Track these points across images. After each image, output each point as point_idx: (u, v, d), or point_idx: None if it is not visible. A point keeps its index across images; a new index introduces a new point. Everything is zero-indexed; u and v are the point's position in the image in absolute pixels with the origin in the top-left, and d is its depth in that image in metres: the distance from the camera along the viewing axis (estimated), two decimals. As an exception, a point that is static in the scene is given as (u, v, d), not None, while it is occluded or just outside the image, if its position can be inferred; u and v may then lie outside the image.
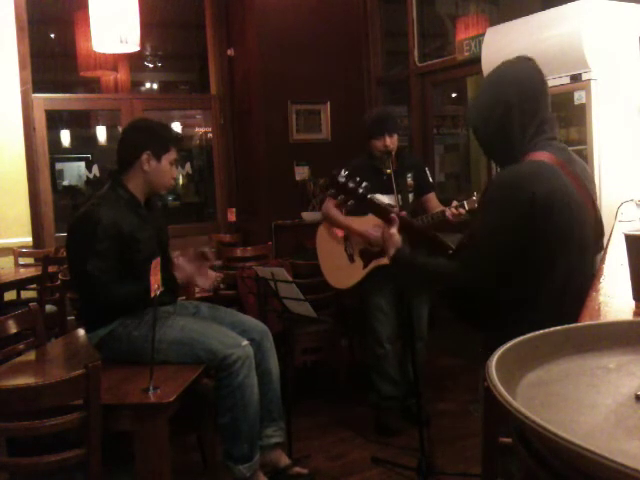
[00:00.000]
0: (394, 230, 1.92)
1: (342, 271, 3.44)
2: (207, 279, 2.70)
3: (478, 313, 1.80)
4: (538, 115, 1.75)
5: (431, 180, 3.56)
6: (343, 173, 2.03)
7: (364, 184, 2.02)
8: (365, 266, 3.36)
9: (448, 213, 3.08)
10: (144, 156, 2.51)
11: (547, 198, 1.62)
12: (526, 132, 1.75)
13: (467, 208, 3.03)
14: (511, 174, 1.71)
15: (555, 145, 1.77)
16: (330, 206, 3.48)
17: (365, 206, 2.07)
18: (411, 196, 3.43)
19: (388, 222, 1.96)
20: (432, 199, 3.49)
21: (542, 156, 1.71)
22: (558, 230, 1.65)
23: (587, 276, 1.62)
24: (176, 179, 2.86)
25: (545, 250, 1.65)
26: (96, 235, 2.34)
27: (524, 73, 1.78)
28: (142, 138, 2.56)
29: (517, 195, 1.63)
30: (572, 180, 1.70)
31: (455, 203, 3.09)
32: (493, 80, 1.83)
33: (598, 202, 2.55)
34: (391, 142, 3.28)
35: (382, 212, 2.00)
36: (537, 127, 1.75)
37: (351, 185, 2.00)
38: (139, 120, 2.91)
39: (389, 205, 3.25)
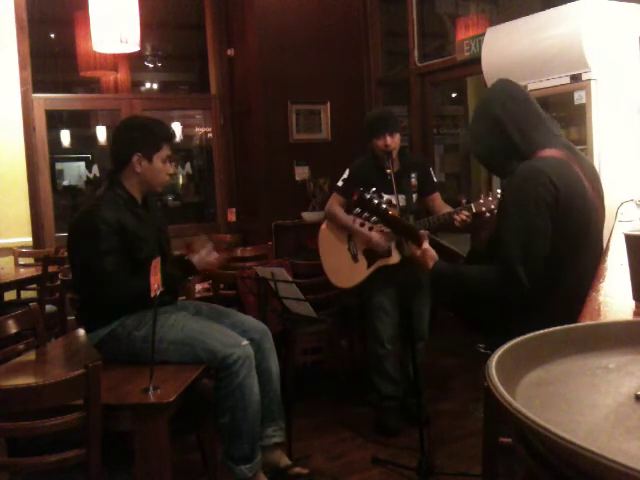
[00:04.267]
0: (427, 244, 1.96)
1: (345, 270, 3.44)
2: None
3: (483, 318, 1.80)
4: (530, 116, 1.80)
5: (435, 180, 3.55)
6: (369, 191, 2.06)
7: (385, 198, 2.06)
8: (369, 266, 3.36)
9: (456, 219, 3.05)
10: (135, 158, 2.49)
11: (567, 192, 1.64)
12: (525, 134, 1.77)
13: (474, 211, 3.00)
14: (531, 170, 1.71)
15: (562, 142, 1.80)
16: (334, 204, 3.48)
17: (388, 223, 2.11)
18: (415, 196, 3.42)
19: (417, 238, 1.99)
20: (437, 199, 3.48)
21: (552, 152, 1.72)
22: (576, 227, 1.65)
23: (593, 277, 1.61)
24: (174, 175, 2.83)
25: (562, 249, 1.65)
26: (97, 234, 2.34)
27: (499, 88, 1.89)
28: (131, 139, 2.52)
29: (542, 191, 1.65)
30: (584, 176, 1.72)
31: (463, 204, 3.08)
32: (478, 108, 1.95)
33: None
34: (392, 141, 3.27)
35: (409, 230, 2.03)
36: (535, 127, 1.78)
37: (375, 201, 2.05)
38: (128, 119, 2.82)
39: (391, 203, 3.27)
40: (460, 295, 1.89)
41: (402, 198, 3.27)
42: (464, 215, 3.03)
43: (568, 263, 1.66)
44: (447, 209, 3.31)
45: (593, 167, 1.89)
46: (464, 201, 3.10)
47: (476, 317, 1.87)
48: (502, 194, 1.88)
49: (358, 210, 2.10)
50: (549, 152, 1.73)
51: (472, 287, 1.83)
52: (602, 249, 1.80)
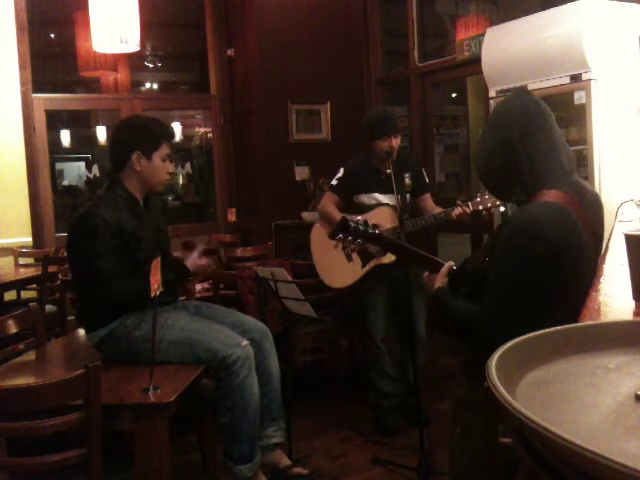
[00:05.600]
0: (445, 272, 1.92)
1: (339, 270, 3.43)
2: (195, 261, 2.66)
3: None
4: (546, 147, 1.70)
5: (427, 180, 3.56)
6: (354, 220, 2.06)
7: (370, 224, 2.04)
8: (364, 265, 3.36)
9: (454, 214, 3.09)
10: (134, 156, 2.50)
11: (560, 247, 1.58)
12: (535, 167, 1.69)
13: (471, 209, 3.05)
14: (525, 221, 1.64)
15: (570, 182, 1.71)
16: (328, 204, 3.47)
17: (403, 253, 2.10)
18: (408, 196, 3.44)
19: (435, 267, 1.94)
20: (427, 199, 3.50)
21: (556, 196, 1.64)
22: (565, 281, 1.62)
23: (588, 285, 1.59)
24: (173, 173, 2.83)
25: (549, 298, 1.62)
26: (97, 234, 2.34)
27: (519, 107, 1.74)
28: (130, 138, 2.53)
29: (533, 246, 1.59)
30: (583, 222, 1.66)
31: (460, 202, 3.11)
32: (491, 122, 1.81)
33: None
34: (396, 143, 3.30)
35: (427, 262, 2.00)
36: (548, 161, 1.70)
37: (361, 228, 2.03)
38: (127, 119, 2.82)
39: (388, 204, 3.28)
40: (444, 320, 1.88)
41: (398, 198, 3.28)
42: (461, 209, 3.06)
43: (554, 309, 1.64)
44: (437, 210, 3.34)
45: (598, 206, 1.80)
46: (459, 202, 3.13)
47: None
48: (498, 231, 1.83)
49: (340, 236, 2.08)
50: (553, 195, 1.65)
51: (451, 318, 1.82)
52: (594, 270, 1.77)
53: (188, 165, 8.78)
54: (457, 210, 3.09)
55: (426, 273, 1.99)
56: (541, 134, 1.72)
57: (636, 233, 1.30)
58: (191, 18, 6.50)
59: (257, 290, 3.57)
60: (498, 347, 0.83)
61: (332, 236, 2.06)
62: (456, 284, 1.88)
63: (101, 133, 8.45)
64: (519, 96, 1.79)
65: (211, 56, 6.12)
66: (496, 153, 1.75)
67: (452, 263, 1.93)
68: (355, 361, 4.14)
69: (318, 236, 3.55)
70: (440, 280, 1.90)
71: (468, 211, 3.07)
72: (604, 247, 1.96)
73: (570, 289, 1.63)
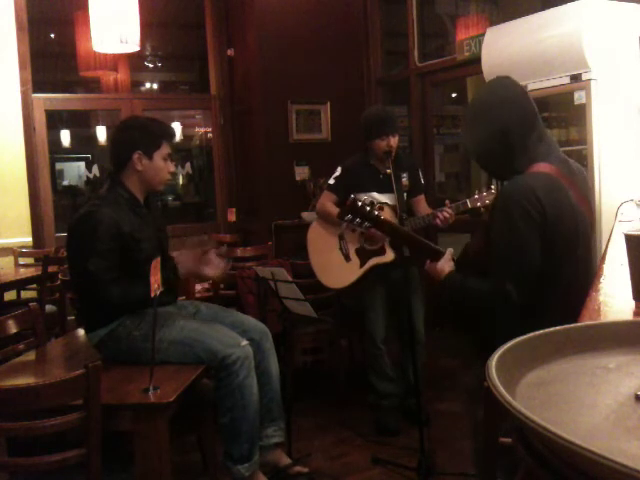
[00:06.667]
0: (449, 257, 1.95)
1: (336, 270, 3.42)
2: (214, 267, 2.57)
3: (481, 325, 1.80)
4: (534, 128, 1.77)
5: (422, 182, 3.56)
6: (361, 199, 2.06)
7: (377, 205, 2.06)
8: (362, 265, 3.35)
9: (439, 217, 3.09)
10: (135, 156, 2.50)
11: (554, 211, 1.62)
12: (526, 148, 1.76)
13: (470, 206, 3.06)
14: (519, 187, 1.70)
15: (556, 157, 1.78)
16: (326, 202, 3.47)
17: (401, 239, 2.11)
18: (404, 196, 3.44)
19: (436, 255, 1.96)
20: (421, 201, 3.50)
21: (545, 168, 1.71)
22: (565, 243, 1.65)
23: (588, 282, 1.61)
24: (174, 173, 2.81)
25: (551, 263, 1.65)
26: (97, 234, 2.33)
27: (508, 93, 1.80)
28: (131, 138, 2.53)
29: (529, 208, 1.64)
30: (574, 192, 1.71)
31: (447, 203, 3.12)
32: (481, 109, 1.85)
33: (598, 202, 2.58)
34: (394, 142, 3.30)
35: (429, 249, 2.01)
36: (537, 141, 1.77)
37: (368, 209, 2.04)
38: (127, 119, 2.84)
39: (384, 203, 3.28)
40: (463, 308, 1.90)
41: (394, 197, 3.28)
42: (446, 213, 3.06)
43: (557, 277, 1.66)
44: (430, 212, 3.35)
45: (585, 180, 1.89)
46: (447, 201, 3.13)
47: (476, 332, 1.87)
48: (491, 208, 1.88)
49: (350, 217, 2.09)
50: (542, 167, 1.72)
51: (470, 300, 1.85)
52: (592, 258, 1.80)
53: (188, 165, 8.79)
54: (443, 214, 3.08)
55: (428, 262, 2.00)
56: (528, 116, 1.78)
57: (636, 233, 1.30)
58: (191, 18, 6.50)
59: (257, 290, 3.57)
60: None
61: (341, 216, 2.08)
62: (460, 270, 1.90)
63: (101, 133, 8.45)
64: (501, 82, 1.85)
65: (211, 56, 6.12)
66: (494, 143, 1.79)
67: (452, 250, 1.97)
68: (355, 361, 4.14)
69: (316, 235, 3.54)
70: (447, 265, 1.93)
71: (452, 215, 3.07)
72: (604, 247, 1.97)
73: (567, 259, 1.66)
